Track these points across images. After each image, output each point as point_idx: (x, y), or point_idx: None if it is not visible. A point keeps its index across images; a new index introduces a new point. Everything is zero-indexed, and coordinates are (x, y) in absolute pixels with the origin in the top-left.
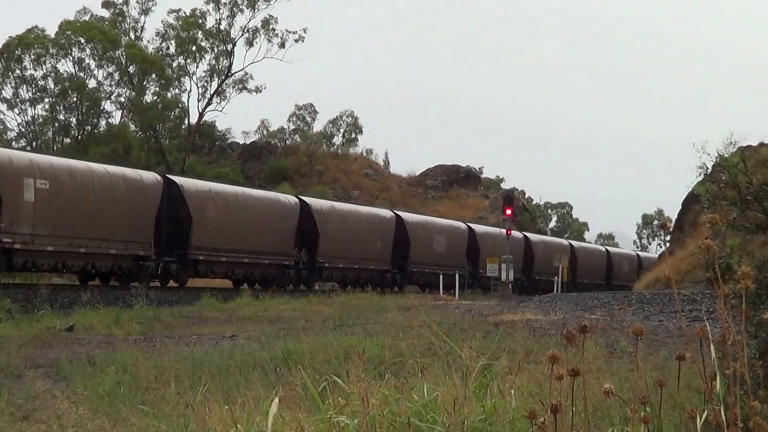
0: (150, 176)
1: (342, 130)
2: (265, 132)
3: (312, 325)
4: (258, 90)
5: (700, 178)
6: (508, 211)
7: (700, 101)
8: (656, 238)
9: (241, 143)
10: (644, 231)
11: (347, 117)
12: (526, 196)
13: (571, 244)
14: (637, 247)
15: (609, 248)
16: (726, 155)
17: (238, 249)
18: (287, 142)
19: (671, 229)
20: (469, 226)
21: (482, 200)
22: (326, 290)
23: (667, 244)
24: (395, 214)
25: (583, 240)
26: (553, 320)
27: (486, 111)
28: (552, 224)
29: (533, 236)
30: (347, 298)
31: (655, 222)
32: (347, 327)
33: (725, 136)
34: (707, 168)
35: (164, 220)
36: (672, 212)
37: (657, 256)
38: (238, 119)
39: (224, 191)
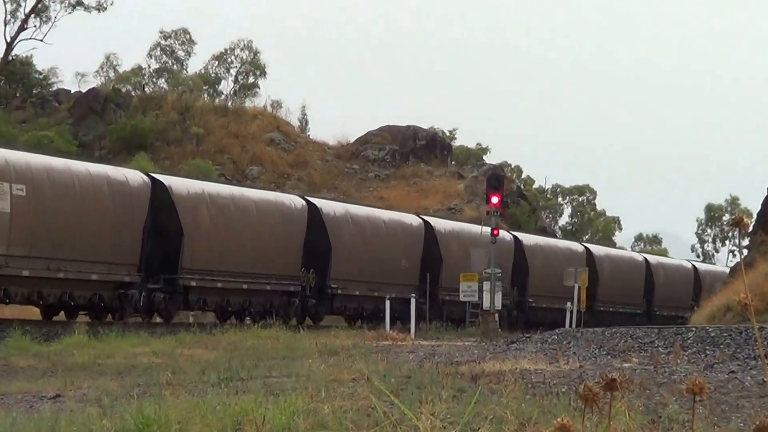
0: (136, 176)
1: (234, 72)
2: (111, 74)
3: (183, 379)
4: (101, 7)
5: None
6: (495, 199)
7: None
8: (728, 242)
9: (73, 91)
10: (708, 231)
11: (242, 51)
12: (524, 177)
13: (588, 249)
14: (697, 256)
15: (649, 257)
16: None
17: (235, 271)
18: (147, 89)
19: (751, 228)
20: (310, 203)
21: (454, 182)
22: (204, 324)
23: (744, 252)
24: (423, 220)
25: (612, 244)
26: (564, 371)
27: (460, 46)
28: (564, 220)
29: (529, 238)
30: (239, 336)
31: (726, 217)
32: (239, 381)
33: None
34: None
35: (149, 234)
36: (753, 202)
37: (728, 269)
38: (70, 54)
39: (219, 194)
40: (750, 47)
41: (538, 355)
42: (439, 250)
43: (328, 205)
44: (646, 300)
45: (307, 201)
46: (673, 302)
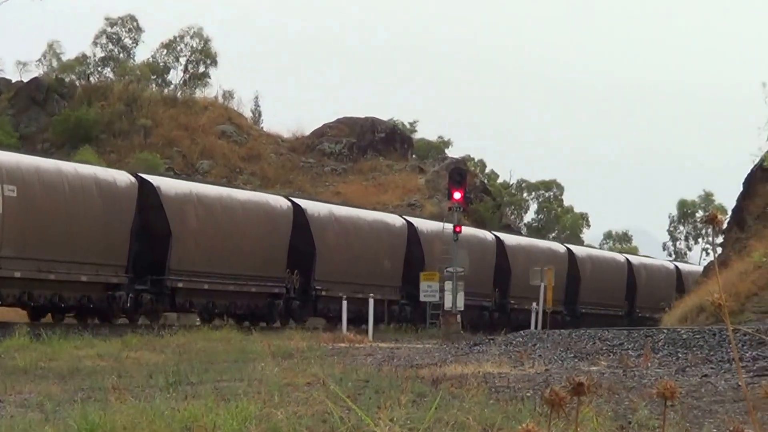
0: (123, 177)
1: (184, 61)
2: (54, 63)
3: (130, 383)
4: None
5: None
6: (457, 195)
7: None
8: (701, 240)
9: (14, 81)
10: (681, 228)
11: (192, 38)
12: (487, 171)
13: (569, 249)
14: (669, 254)
15: (631, 257)
16: None
17: (222, 273)
18: (92, 79)
19: (725, 226)
20: (294, 203)
21: (414, 176)
22: (152, 326)
23: (718, 250)
24: (406, 220)
25: (580, 241)
26: (529, 375)
27: (420, 37)
28: (530, 216)
29: (511, 238)
30: (188, 338)
31: (700, 214)
32: (188, 386)
33: None
34: None
35: (136, 234)
36: (727, 198)
37: (702, 269)
38: (9, 41)
39: (206, 194)
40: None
41: (502, 358)
42: (422, 251)
43: (312, 207)
44: (628, 301)
45: (292, 202)
46: (655, 303)
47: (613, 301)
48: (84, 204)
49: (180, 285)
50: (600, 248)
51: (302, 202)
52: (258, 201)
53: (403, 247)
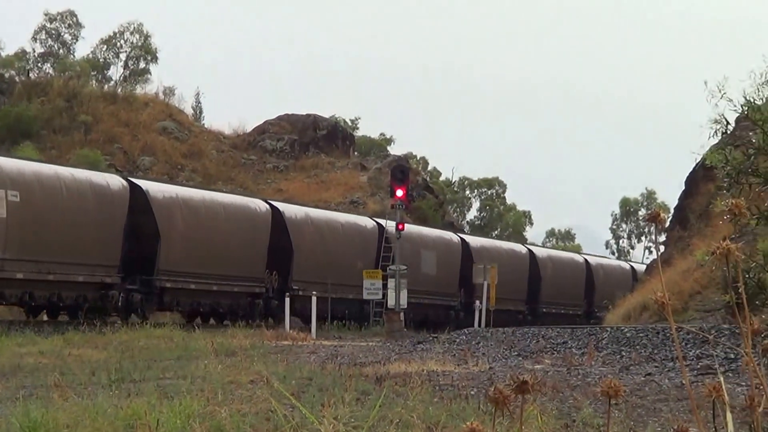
0: (115, 181)
1: (124, 57)
2: None
3: (72, 380)
4: None
5: (715, 140)
6: (400, 192)
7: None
8: (644, 238)
9: None
10: (623, 226)
11: (132, 34)
12: (430, 169)
13: (530, 250)
14: (612, 252)
15: (589, 258)
16: (759, 101)
17: (206, 273)
18: (31, 75)
19: (667, 224)
20: (273, 206)
21: (356, 174)
22: (95, 323)
23: (661, 249)
24: (377, 222)
25: (523, 239)
26: (473, 373)
27: (360, 33)
28: (472, 214)
29: (476, 240)
30: (131, 335)
31: (642, 212)
32: (131, 383)
33: (757, 71)
34: (727, 123)
35: (127, 236)
36: (669, 196)
37: (644, 267)
38: None
39: (192, 197)
40: (663, 42)
41: (445, 356)
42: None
43: (289, 209)
44: (587, 300)
45: (271, 205)
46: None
47: (572, 300)
48: (80, 207)
49: (168, 285)
50: (543, 246)
51: (280, 206)
52: (239, 204)
53: (374, 248)
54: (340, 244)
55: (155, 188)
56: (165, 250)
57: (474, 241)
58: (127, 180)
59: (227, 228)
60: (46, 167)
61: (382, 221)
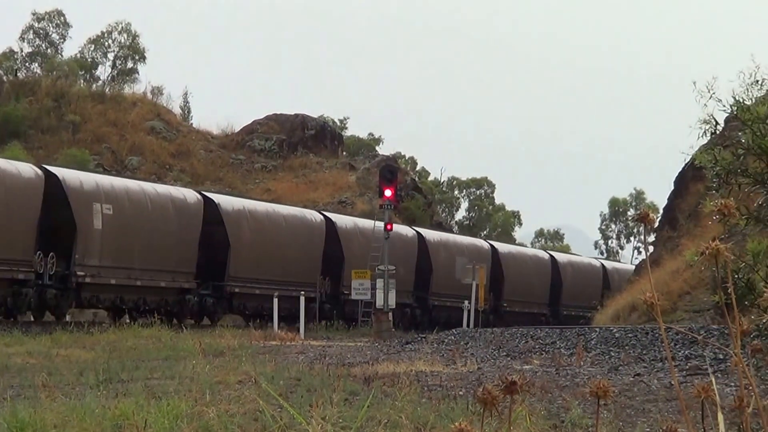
0: (191, 195)
1: (112, 57)
2: None
3: (60, 381)
4: None
5: (704, 141)
6: (388, 192)
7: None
8: (633, 239)
9: None
10: (612, 227)
11: (120, 34)
12: (418, 169)
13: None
14: (601, 253)
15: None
16: (748, 101)
17: (269, 279)
18: (19, 74)
19: (656, 224)
20: (326, 217)
21: (345, 173)
22: (84, 321)
23: (650, 249)
24: (417, 232)
25: (511, 239)
26: (462, 373)
27: (349, 31)
28: (461, 214)
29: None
30: (118, 335)
31: (631, 212)
32: (119, 383)
33: (745, 70)
34: (716, 123)
35: (200, 246)
36: (659, 196)
37: (633, 267)
38: None
39: (257, 209)
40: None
41: (434, 357)
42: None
43: (341, 220)
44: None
45: (325, 216)
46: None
47: (590, 302)
48: (163, 219)
49: (236, 290)
50: (532, 246)
51: (333, 217)
52: (297, 215)
53: (414, 256)
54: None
55: (226, 201)
56: (234, 258)
57: (502, 247)
58: (201, 194)
59: (287, 237)
60: (133, 183)
61: (421, 229)
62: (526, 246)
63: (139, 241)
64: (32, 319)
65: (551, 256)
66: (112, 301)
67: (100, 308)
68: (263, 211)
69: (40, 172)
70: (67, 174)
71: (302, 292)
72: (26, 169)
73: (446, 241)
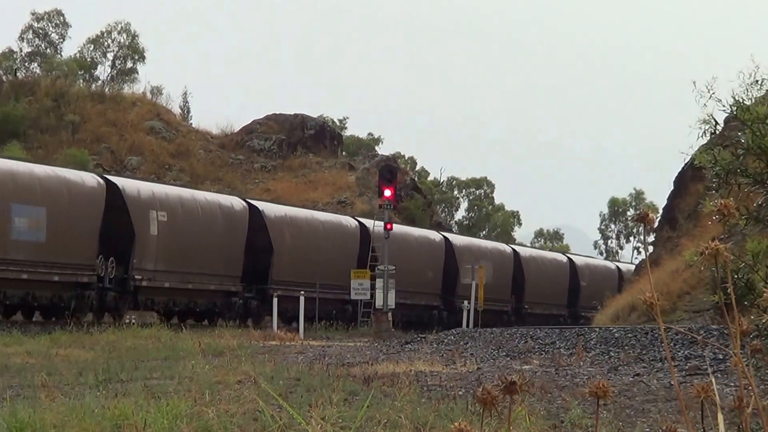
0: (237, 202)
1: (111, 56)
2: None
3: (59, 381)
4: None
5: (704, 141)
6: (388, 192)
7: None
8: (632, 239)
9: None
10: (612, 227)
11: (119, 34)
12: (418, 168)
13: (515, 250)
14: (600, 253)
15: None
16: (747, 101)
17: (309, 282)
18: (19, 74)
19: (656, 224)
20: (361, 223)
21: (344, 173)
22: (84, 321)
23: (650, 249)
24: (444, 236)
25: (511, 239)
26: (461, 373)
27: (348, 31)
28: (461, 214)
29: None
30: (118, 335)
31: (631, 212)
32: (118, 383)
33: (745, 71)
34: (716, 123)
35: (246, 251)
36: (658, 196)
37: (633, 267)
38: None
39: (297, 216)
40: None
41: (433, 357)
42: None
43: (377, 226)
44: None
45: (360, 223)
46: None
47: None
48: (212, 226)
49: (279, 293)
50: (531, 246)
51: (368, 223)
52: (333, 221)
53: (441, 261)
54: (414, 254)
55: (269, 208)
56: (277, 263)
57: (523, 251)
58: (246, 201)
59: (324, 242)
60: (185, 191)
61: (448, 234)
62: (545, 249)
63: (190, 246)
64: (93, 320)
65: (569, 259)
66: (165, 303)
67: (154, 310)
68: (303, 217)
69: (101, 181)
70: (126, 183)
71: (301, 292)
72: (89, 178)
73: (471, 246)
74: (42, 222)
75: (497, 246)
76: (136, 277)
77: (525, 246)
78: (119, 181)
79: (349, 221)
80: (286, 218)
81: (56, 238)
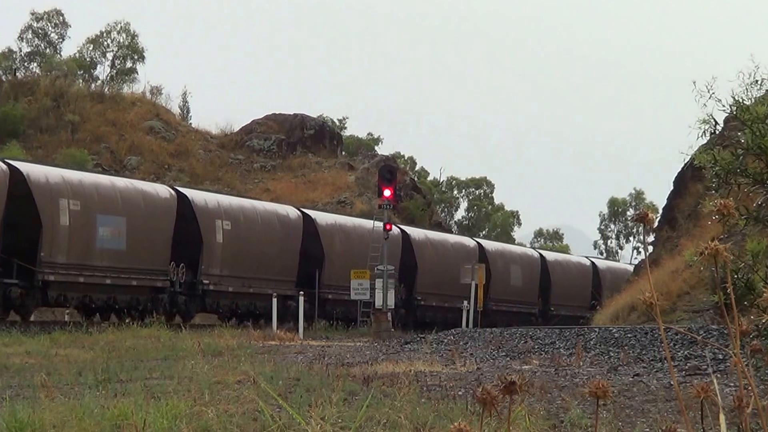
0: (293, 211)
1: (111, 56)
2: None
3: (59, 380)
4: None
5: (703, 141)
6: (387, 192)
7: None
8: (632, 239)
9: None
10: (611, 227)
11: (119, 33)
12: (417, 168)
13: (542, 255)
14: (600, 253)
15: (595, 260)
16: (747, 101)
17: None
18: (18, 74)
19: (656, 224)
20: (403, 231)
21: (344, 173)
22: (78, 322)
23: (650, 249)
24: (477, 242)
25: (510, 239)
26: (461, 373)
27: (347, 31)
28: (460, 214)
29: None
30: (117, 335)
31: (630, 212)
32: (117, 383)
33: (745, 70)
34: (715, 123)
35: (300, 257)
36: (658, 197)
37: (632, 267)
38: None
39: (346, 224)
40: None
41: (433, 357)
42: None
43: (415, 233)
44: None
45: (401, 229)
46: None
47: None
48: (270, 233)
49: (329, 296)
50: (531, 246)
51: (408, 230)
52: (368, 227)
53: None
54: (451, 259)
55: (321, 217)
56: (327, 268)
57: (549, 255)
58: (300, 210)
59: (365, 249)
60: (245, 201)
61: (482, 240)
62: (570, 253)
63: (251, 253)
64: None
65: (592, 262)
66: (228, 306)
67: (220, 313)
68: (351, 225)
69: (173, 192)
70: (195, 195)
71: (301, 292)
72: (163, 190)
73: (502, 251)
74: (122, 231)
75: (525, 251)
76: (204, 281)
77: (550, 251)
78: (189, 192)
79: (394, 229)
80: (336, 226)
81: (134, 246)
